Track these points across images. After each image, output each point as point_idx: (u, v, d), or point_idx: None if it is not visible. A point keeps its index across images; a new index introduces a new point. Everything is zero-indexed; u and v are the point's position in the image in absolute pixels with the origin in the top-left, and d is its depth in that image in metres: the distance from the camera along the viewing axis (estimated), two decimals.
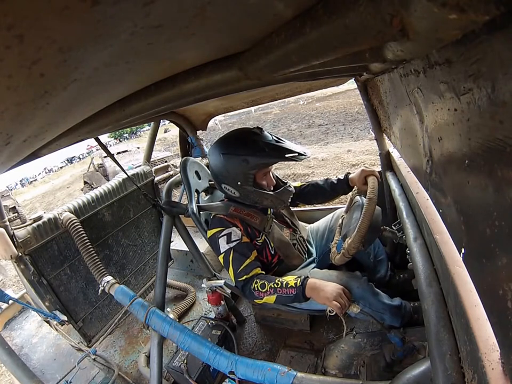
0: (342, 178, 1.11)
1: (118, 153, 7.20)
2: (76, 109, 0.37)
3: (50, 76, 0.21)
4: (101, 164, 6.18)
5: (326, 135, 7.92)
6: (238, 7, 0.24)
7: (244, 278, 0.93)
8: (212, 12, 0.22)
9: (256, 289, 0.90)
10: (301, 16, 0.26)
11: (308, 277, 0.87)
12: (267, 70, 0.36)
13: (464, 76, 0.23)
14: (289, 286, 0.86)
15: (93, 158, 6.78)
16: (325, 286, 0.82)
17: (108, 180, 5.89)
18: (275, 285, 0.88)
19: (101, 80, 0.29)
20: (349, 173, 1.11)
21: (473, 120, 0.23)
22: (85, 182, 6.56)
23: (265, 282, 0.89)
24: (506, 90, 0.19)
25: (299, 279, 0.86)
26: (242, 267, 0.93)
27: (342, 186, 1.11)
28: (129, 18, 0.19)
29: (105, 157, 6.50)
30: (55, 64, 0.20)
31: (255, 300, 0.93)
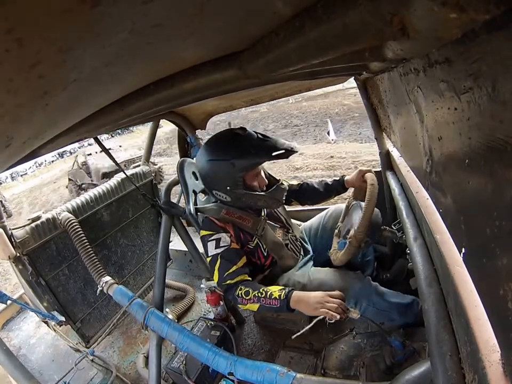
0: (338, 179, 1.12)
1: (101, 151, 7.16)
2: (75, 109, 0.37)
3: (50, 77, 0.21)
4: (84, 162, 6.29)
5: (295, 136, 7.90)
6: (237, 5, 0.23)
7: (227, 282, 0.92)
8: (211, 11, 0.22)
9: (240, 295, 0.89)
10: (300, 15, 0.26)
11: (292, 289, 0.84)
12: (266, 69, 0.36)
13: (464, 75, 0.23)
14: (273, 297, 0.84)
15: (76, 156, 6.88)
16: (308, 298, 0.80)
17: (91, 177, 5.72)
18: (259, 294, 0.86)
19: (100, 80, 0.29)
20: (344, 176, 1.12)
21: (473, 119, 0.23)
22: (70, 179, 6.58)
23: (250, 290, 0.87)
24: (506, 89, 0.19)
25: (283, 292, 0.83)
26: (228, 273, 0.92)
27: (336, 187, 1.11)
28: (128, 18, 0.19)
29: (88, 154, 6.58)
30: (54, 65, 0.20)
31: (238, 305, 0.93)
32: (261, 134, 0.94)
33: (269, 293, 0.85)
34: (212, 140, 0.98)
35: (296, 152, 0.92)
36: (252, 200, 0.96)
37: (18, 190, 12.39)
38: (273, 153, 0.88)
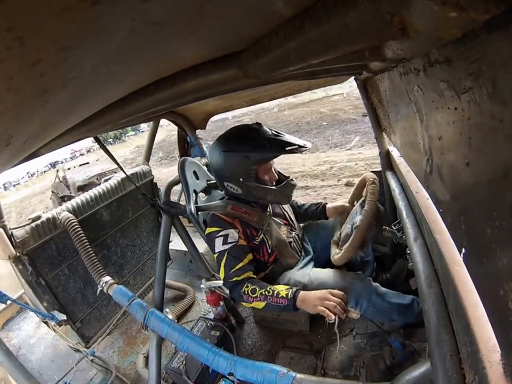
0: (321, 203, 1.18)
1: (80, 165, 8.36)
2: (75, 108, 0.37)
3: (50, 75, 0.21)
4: (64, 176, 7.10)
5: None
6: (237, 5, 0.23)
7: (234, 279, 0.93)
8: (211, 10, 0.22)
9: (246, 293, 0.90)
10: (300, 15, 0.26)
11: (299, 289, 0.86)
12: (266, 69, 0.36)
13: (464, 75, 0.22)
14: (280, 295, 0.85)
15: (57, 170, 7.70)
16: (311, 296, 0.82)
17: (69, 190, 6.63)
18: (266, 292, 0.87)
19: (100, 78, 0.29)
20: (327, 203, 1.17)
21: (473, 119, 0.23)
22: (52, 192, 7.31)
23: (257, 288, 0.89)
24: (506, 89, 0.19)
25: (291, 291, 0.85)
26: (234, 269, 0.93)
27: (316, 212, 1.18)
28: (128, 16, 0.19)
29: (68, 169, 7.79)
30: (55, 64, 0.20)
31: (242, 303, 0.93)
32: (275, 130, 0.97)
33: (276, 292, 0.86)
34: (227, 133, 1.00)
35: (308, 148, 0.94)
36: (263, 193, 0.98)
37: (10, 200, 12.66)
38: (287, 148, 0.90)
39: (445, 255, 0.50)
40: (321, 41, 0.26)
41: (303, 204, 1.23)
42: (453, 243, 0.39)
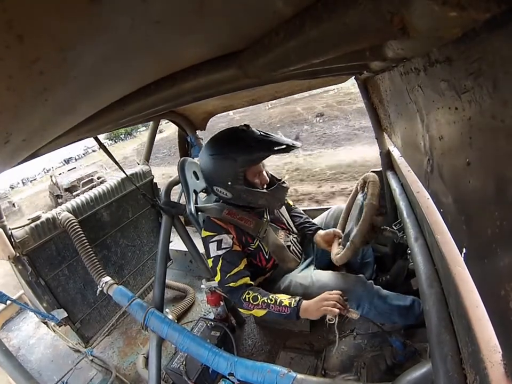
0: (313, 231, 1.11)
1: (69, 170, 10.16)
2: (76, 107, 0.37)
3: (50, 74, 0.21)
4: (56, 180, 8.86)
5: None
6: (236, 4, 0.23)
7: (230, 284, 0.92)
8: (210, 8, 0.22)
9: (247, 300, 0.89)
10: (300, 14, 0.26)
11: (301, 299, 0.85)
12: (266, 68, 0.36)
13: (465, 74, 0.22)
14: (283, 304, 0.85)
15: (51, 176, 9.59)
16: (313, 303, 0.82)
17: (60, 191, 8.44)
18: (268, 300, 0.86)
19: (101, 77, 0.29)
20: (320, 228, 1.11)
21: (474, 119, 0.23)
22: (49, 191, 9.26)
23: (258, 296, 0.88)
24: (507, 88, 0.19)
25: (294, 300, 0.85)
26: (229, 275, 0.92)
27: (304, 235, 1.13)
28: (128, 13, 0.19)
29: (60, 174, 9.71)
30: (54, 62, 0.20)
31: (241, 309, 0.93)
32: (263, 132, 0.95)
33: (278, 300, 0.86)
34: (215, 136, 0.99)
35: (298, 147, 0.92)
36: (253, 197, 0.95)
37: (25, 194, 14.15)
38: (275, 148, 0.88)
39: (445, 255, 0.50)
40: (321, 41, 0.26)
41: (299, 217, 1.18)
42: (454, 243, 0.39)
